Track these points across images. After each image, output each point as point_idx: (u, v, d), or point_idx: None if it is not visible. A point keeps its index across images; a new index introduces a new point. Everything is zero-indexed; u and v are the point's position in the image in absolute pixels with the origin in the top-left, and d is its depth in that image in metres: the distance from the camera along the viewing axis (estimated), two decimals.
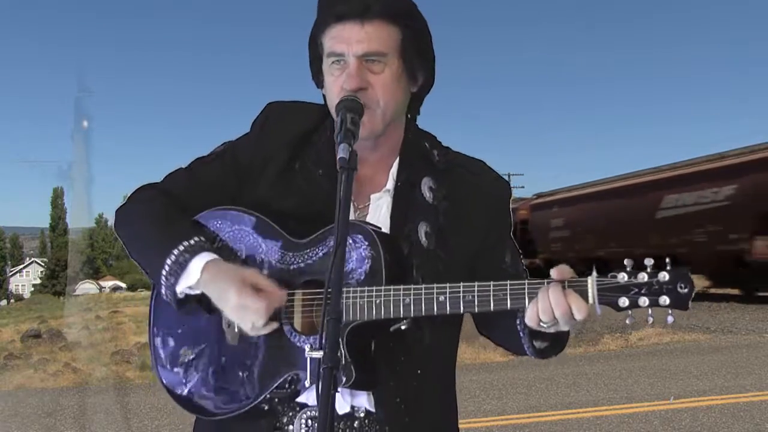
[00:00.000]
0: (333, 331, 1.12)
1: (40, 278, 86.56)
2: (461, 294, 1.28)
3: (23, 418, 7.14)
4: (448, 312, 1.29)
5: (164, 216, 1.42)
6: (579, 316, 1.21)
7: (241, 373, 1.38)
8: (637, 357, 9.40)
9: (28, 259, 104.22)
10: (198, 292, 1.35)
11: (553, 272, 1.26)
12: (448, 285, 1.29)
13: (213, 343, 1.40)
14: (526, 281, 1.29)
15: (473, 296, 1.27)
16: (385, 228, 1.40)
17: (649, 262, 1.22)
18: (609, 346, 10.91)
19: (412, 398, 1.38)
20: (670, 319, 1.21)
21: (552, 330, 1.28)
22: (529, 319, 1.27)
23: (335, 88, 1.37)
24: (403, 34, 1.38)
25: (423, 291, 1.29)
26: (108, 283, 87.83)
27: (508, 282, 1.27)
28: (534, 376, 8.35)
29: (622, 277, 1.23)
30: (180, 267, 1.33)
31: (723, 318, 13.24)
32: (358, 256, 1.33)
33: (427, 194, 1.44)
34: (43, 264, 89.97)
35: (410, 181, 1.45)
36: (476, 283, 1.28)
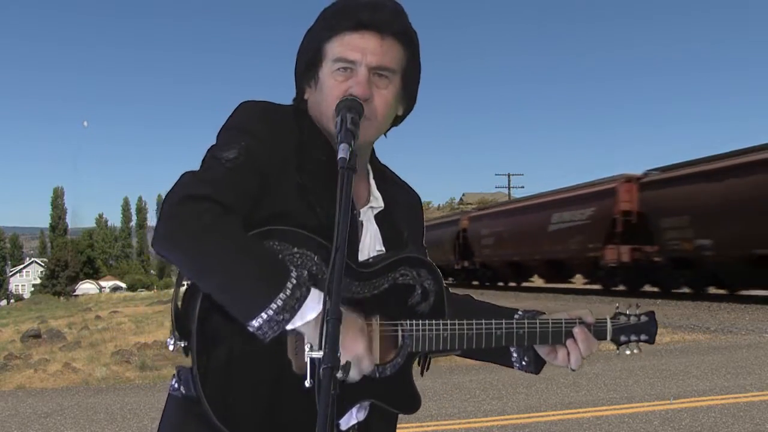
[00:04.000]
0: (333, 331, 1.11)
1: (40, 278, 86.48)
2: (515, 330, 1.50)
3: (23, 418, 7.14)
4: (503, 344, 1.51)
5: (247, 238, 1.26)
6: (593, 350, 1.57)
7: (308, 405, 1.24)
8: (637, 357, 9.36)
9: (28, 259, 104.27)
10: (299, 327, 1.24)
11: (587, 317, 1.57)
12: (504, 321, 1.50)
13: (275, 372, 1.29)
14: (564, 320, 1.54)
15: (524, 332, 1.51)
16: (379, 245, 1.46)
17: (632, 311, 1.62)
18: (609, 346, 10.89)
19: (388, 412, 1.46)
20: (635, 350, 1.63)
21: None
22: (559, 360, 1.57)
23: (337, 91, 1.37)
24: (408, 57, 1.43)
25: (483, 326, 1.47)
26: (108, 283, 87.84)
27: (550, 320, 1.53)
28: (534, 376, 8.33)
29: (624, 319, 1.61)
30: (297, 302, 1.22)
31: (723, 318, 13.24)
32: (423, 290, 1.44)
33: (400, 212, 1.56)
34: (43, 264, 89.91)
35: (391, 199, 1.53)
36: (526, 321, 1.52)
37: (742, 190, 15.43)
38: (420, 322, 1.41)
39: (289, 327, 1.23)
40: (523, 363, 1.61)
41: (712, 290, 19.03)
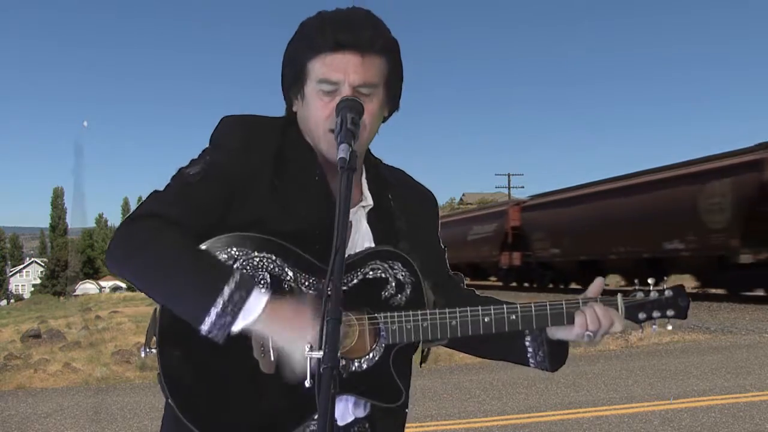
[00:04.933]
0: (333, 331, 1.11)
1: (40, 278, 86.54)
2: (505, 315, 1.44)
3: (23, 418, 7.14)
4: (492, 331, 1.44)
5: (187, 248, 1.30)
6: (618, 328, 1.48)
7: (281, 402, 1.32)
8: (637, 357, 9.40)
9: (28, 259, 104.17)
10: (248, 326, 1.27)
11: (594, 288, 1.50)
12: (492, 307, 1.44)
13: (243, 373, 1.32)
14: (564, 302, 1.48)
15: (516, 316, 1.45)
16: (369, 243, 1.46)
17: (653, 282, 1.53)
18: (609, 346, 10.89)
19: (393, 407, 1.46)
20: (669, 327, 1.54)
21: (589, 342, 1.50)
22: (575, 335, 1.48)
23: (324, 112, 1.39)
24: (389, 67, 1.44)
25: (469, 313, 1.43)
26: (108, 283, 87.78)
27: (547, 303, 1.47)
28: (534, 376, 8.33)
29: (640, 295, 1.53)
30: (237, 306, 1.25)
31: (723, 318, 13.23)
32: (397, 282, 1.42)
33: (395, 210, 1.53)
34: (43, 264, 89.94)
35: (383, 197, 1.52)
36: (518, 304, 1.46)
37: (572, 215, 23.19)
38: (395, 314, 1.40)
39: (234, 329, 1.26)
40: (538, 358, 1.56)
41: (714, 290, 19.23)
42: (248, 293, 1.26)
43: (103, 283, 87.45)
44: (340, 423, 1.40)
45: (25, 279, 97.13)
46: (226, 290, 1.25)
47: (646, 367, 8.56)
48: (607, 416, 6.12)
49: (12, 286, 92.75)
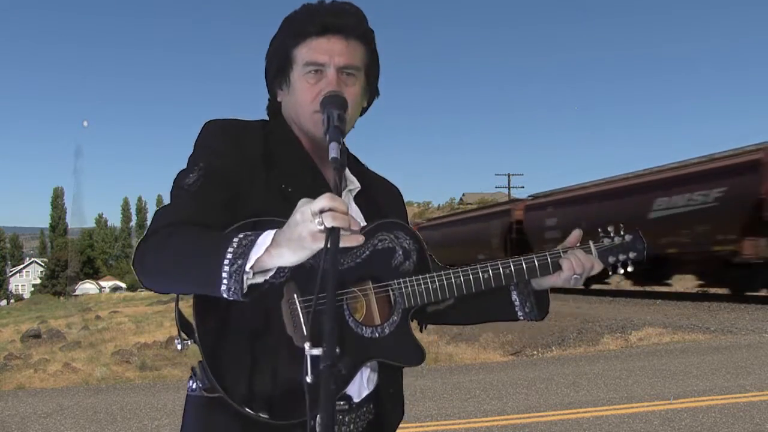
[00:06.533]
0: (331, 328, 1.12)
1: (40, 278, 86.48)
2: (501, 270, 1.56)
3: (23, 418, 7.14)
4: (493, 286, 1.56)
5: (202, 231, 1.31)
6: (597, 269, 1.62)
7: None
8: (637, 357, 9.40)
9: (28, 259, 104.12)
10: (266, 270, 1.25)
11: (572, 238, 1.63)
12: (489, 263, 1.56)
13: (277, 347, 1.36)
14: (548, 253, 1.60)
15: (510, 270, 1.57)
16: (362, 222, 1.51)
17: (612, 229, 1.67)
18: (609, 346, 10.90)
19: (395, 377, 1.56)
20: (630, 269, 1.67)
21: (575, 284, 1.60)
22: (563, 279, 1.59)
23: (310, 94, 1.48)
24: (368, 54, 1.54)
25: (470, 271, 1.54)
26: (108, 283, 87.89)
27: (534, 255, 1.60)
28: (534, 376, 8.34)
29: (607, 241, 1.67)
30: (246, 248, 1.22)
31: (723, 318, 13.22)
32: (404, 250, 1.51)
33: (376, 192, 1.63)
34: (43, 264, 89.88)
35: (369, 181, 1.62)
36: (510, 260, 1.58)
37: (441, 234, 33.05)
38: (407, 279, 1.49)
39: (248, 267, 1.22)
40: (526, 309, 1.66)
41: (714, 290, 19.21)
42: (257, 235, 1.24)
43: (103, 283, 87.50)
44: (356, 400, 1.46)
45: (25, 279, 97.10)
46: (235, 240, 1.24)
47: (646, 367, 8.55)
48: (607, 416, 6.12)
49: (12, 286, 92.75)
